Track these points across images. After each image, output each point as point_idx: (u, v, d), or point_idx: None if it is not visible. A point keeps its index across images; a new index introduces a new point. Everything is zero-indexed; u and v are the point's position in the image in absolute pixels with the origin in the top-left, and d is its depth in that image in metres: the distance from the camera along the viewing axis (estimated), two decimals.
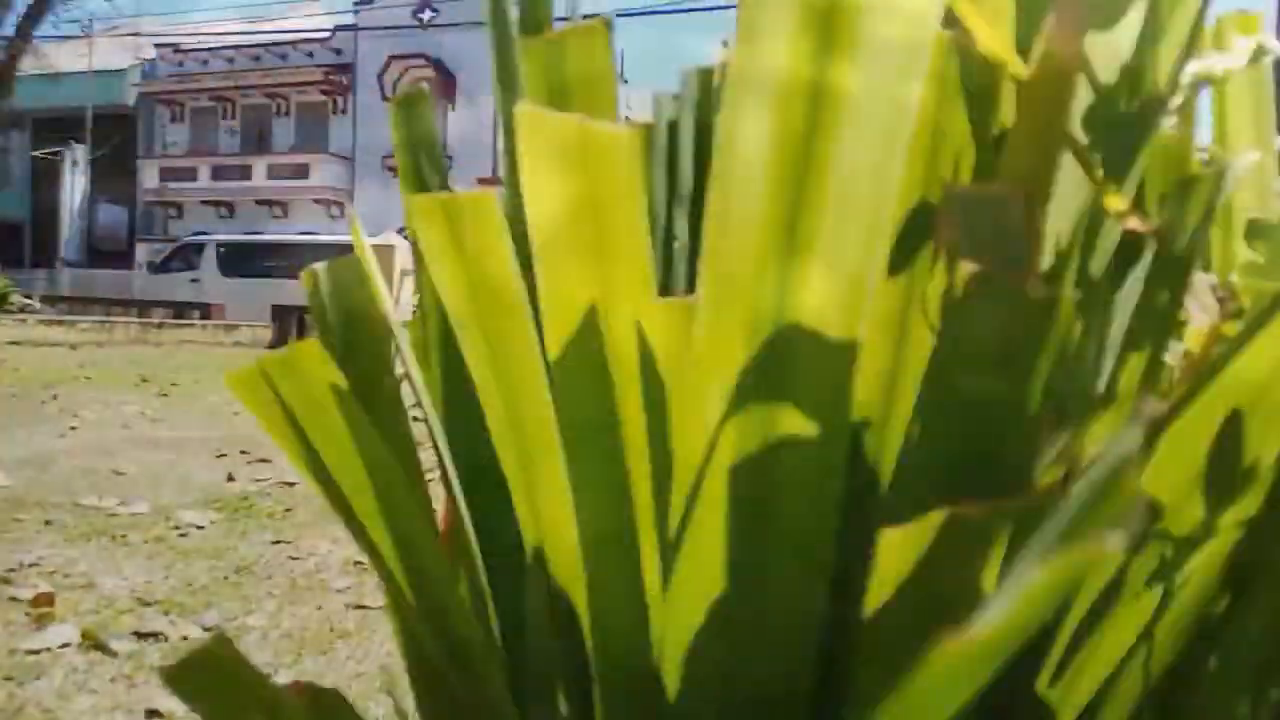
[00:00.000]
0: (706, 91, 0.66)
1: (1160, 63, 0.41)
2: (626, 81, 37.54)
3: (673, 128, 0.68)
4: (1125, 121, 0.41)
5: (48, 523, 2.49)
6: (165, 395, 6.35)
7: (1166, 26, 0.41)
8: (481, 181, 25.64)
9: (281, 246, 18.74)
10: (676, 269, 0.66)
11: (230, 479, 3.32)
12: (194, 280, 17.61)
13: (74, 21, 14.99)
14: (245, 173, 28.00)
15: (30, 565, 2.18)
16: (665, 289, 0.63)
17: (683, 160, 0.68)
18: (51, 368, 7.97)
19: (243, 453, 3.94)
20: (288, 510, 2.82)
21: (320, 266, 0.53)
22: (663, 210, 0.67)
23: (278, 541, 2.54)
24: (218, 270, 17.66)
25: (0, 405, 5.22)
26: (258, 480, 3.30)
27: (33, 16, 13.77)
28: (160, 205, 29.30)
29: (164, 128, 29.96)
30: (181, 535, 2.53)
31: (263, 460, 3.74)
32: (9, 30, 13.82)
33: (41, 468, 3.33)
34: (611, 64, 0.50)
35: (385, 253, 6.90)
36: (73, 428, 4.40)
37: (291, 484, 3.32)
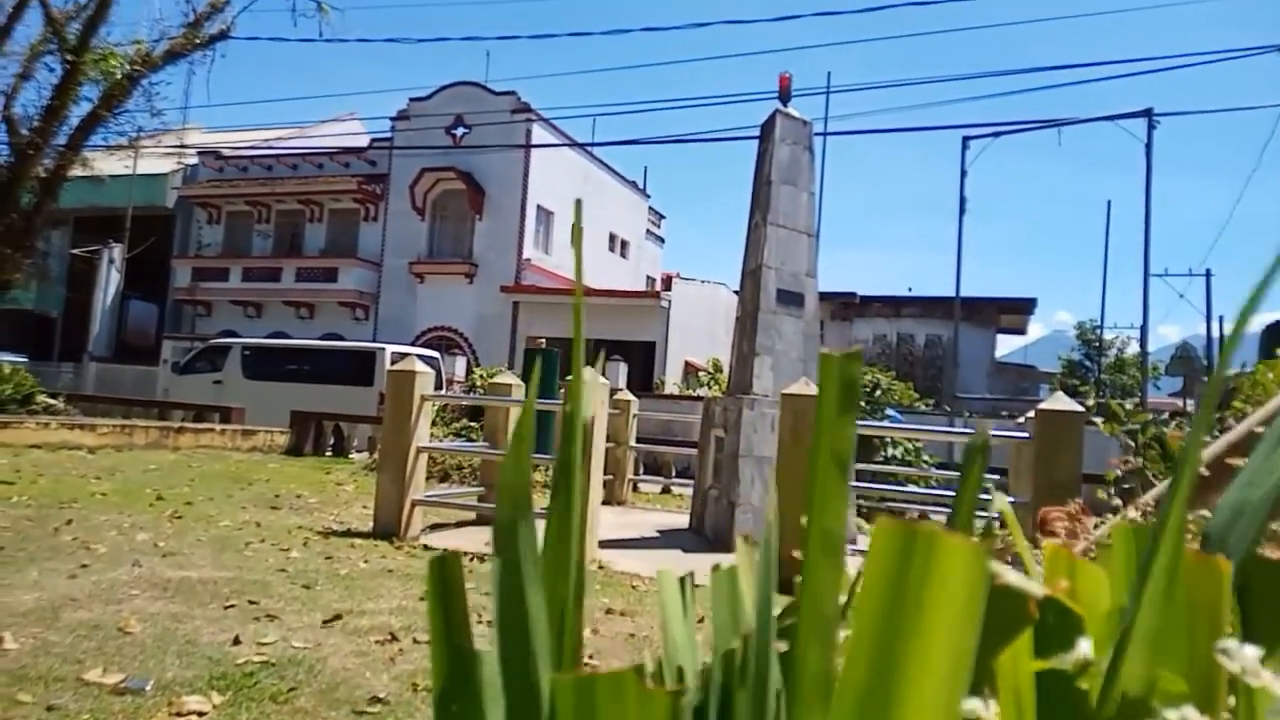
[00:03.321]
0: None
1: None
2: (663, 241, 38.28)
3: None
4: None
5: (50, 708, 2.42)
6: (179, 517, 6.31)
7: None
8: (504, 290, 26.05)
9: (304, 351, 18.99)
10: None
11: (236, 642, 3.24)
12: (217, 382, 17.79)
13: (121, 134, 15.58)
14: (275, 274, 28.70)
15: None
16: None
17: None
18: (69, 479, 7.98)
19: (251, 603, 3.87)
20: (291, 690, 2.74)
21: None
22: None
23: None
24: (241, 373, 17.86)
25: (15, 530, 5.20)
26: (262, 646, 3.22)
27: (84, 129, 14.39)
28: (190, 303, 29.98)
29: (200, 229, 30.94)
30: None
31: (270, 617, 3.67)
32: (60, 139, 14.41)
33: (48, 624, 3.28)
34: None
35: (408, 378, 6.95)
36: (84, 565, 4.36)
37: (295, 648, 3.25)
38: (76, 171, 14.91)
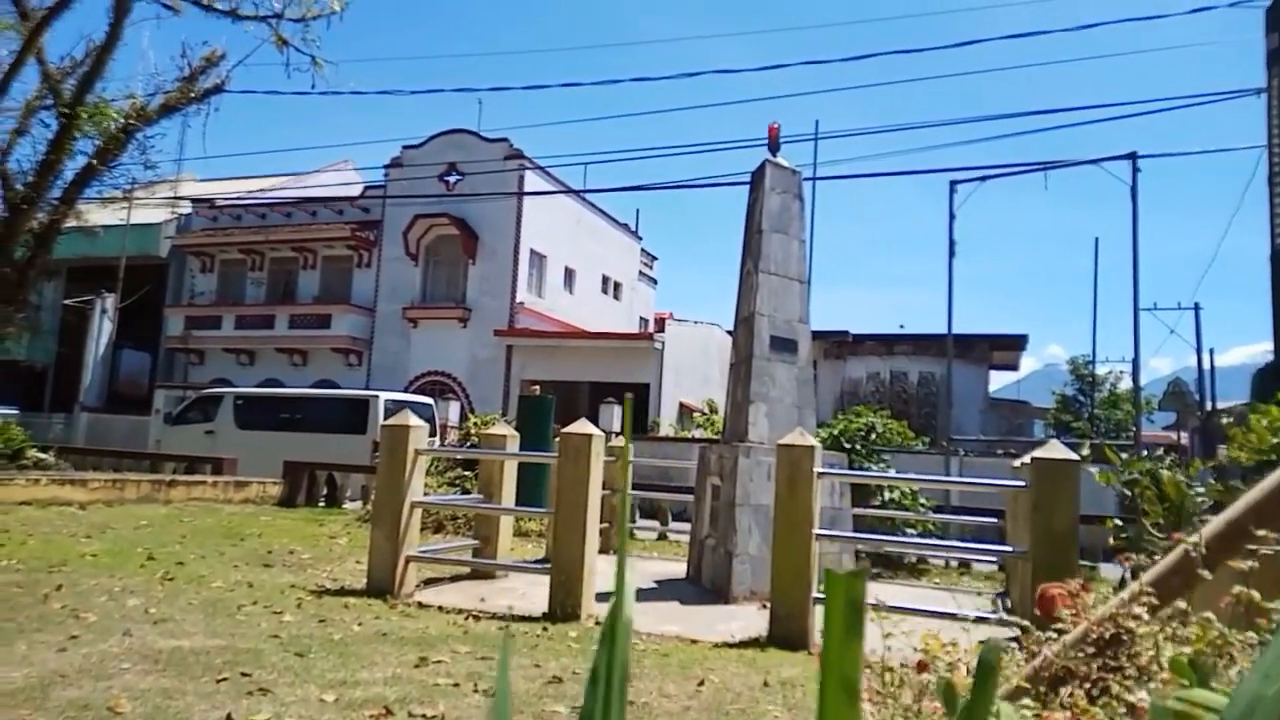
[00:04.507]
0: None
1: None
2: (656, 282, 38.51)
3: None
4: None
5: None
6: (171, 579, 6.24)
7: None
8: (498, 333, 26.10)
9: (297, 399, 18.92)
10: None
11: None
12: (209, 432, 17.69)
13: (116, 186, 15.66)
14: (268, 321, 28.70)
15: None
16: None
17: None
18: (59, 539, 7.89)
19: (244, 675, 3.81)
20: None
21: None
22: None
23: None
24: (234, 422, 17.76)
25: (3, 598, 5.12)
26: None
27: (79, 183, 14.45)
28: (183, 351, 29.92)
29: (193, 278, 30.98)
30: None
31: (263, 690, 3.61)
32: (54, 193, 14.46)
33: (37, 704, 3.22)
34: None
35: (402, 432, 6.93)
36: (74, 636, 4.29)
37: None
38: (70, 223, 14.94)
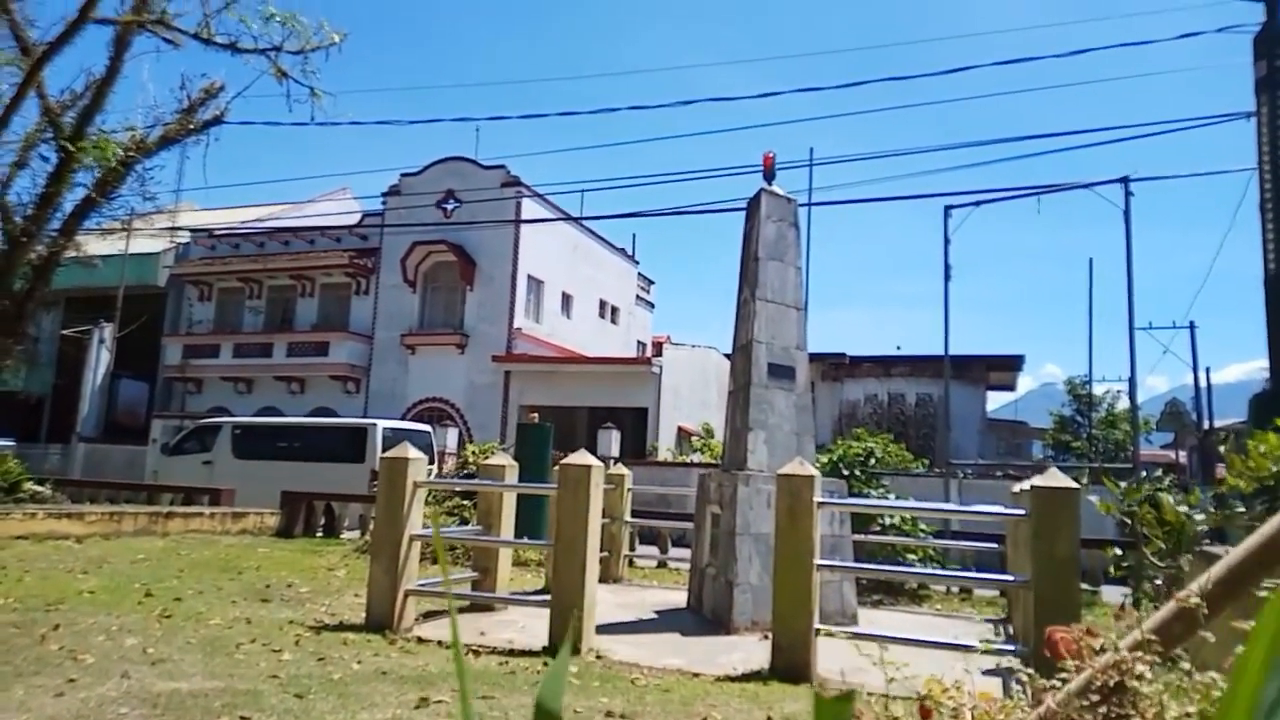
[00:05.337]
0: None
1: None
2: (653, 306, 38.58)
3: None
4: None
5: None
6: (168, 616, 6.20)
7: None
8: (496, 359, 26.09)
9: (295, 429, 18.88)
10: None
11: None
12: (207, 462, 17.64)
13: (115, 217, 15.72)
14: (266, 350, 28.71)
15: None
16: None
17: None
18: (56, 575, 7.84)
19: (242, 719, 3.78)
20: None
21: None
22: None
23: None
24: (231, 452, 17.72)
25: (0, 640, 5.09)
26: None
27: (78, 215, 14.50)
28: (181, 380, 29.89)
29: (191, 306, 31.02)
30: None
31: None
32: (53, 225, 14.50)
33: None
34: None
35: (400, 465, 6.91)
36: (71, 680, 4.26)
37: None
38: (69, 254, 14.96)
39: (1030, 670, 2.20)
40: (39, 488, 13.31)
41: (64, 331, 28.92)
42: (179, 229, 26.32)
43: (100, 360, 28.53)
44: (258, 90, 23.80)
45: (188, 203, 29.08)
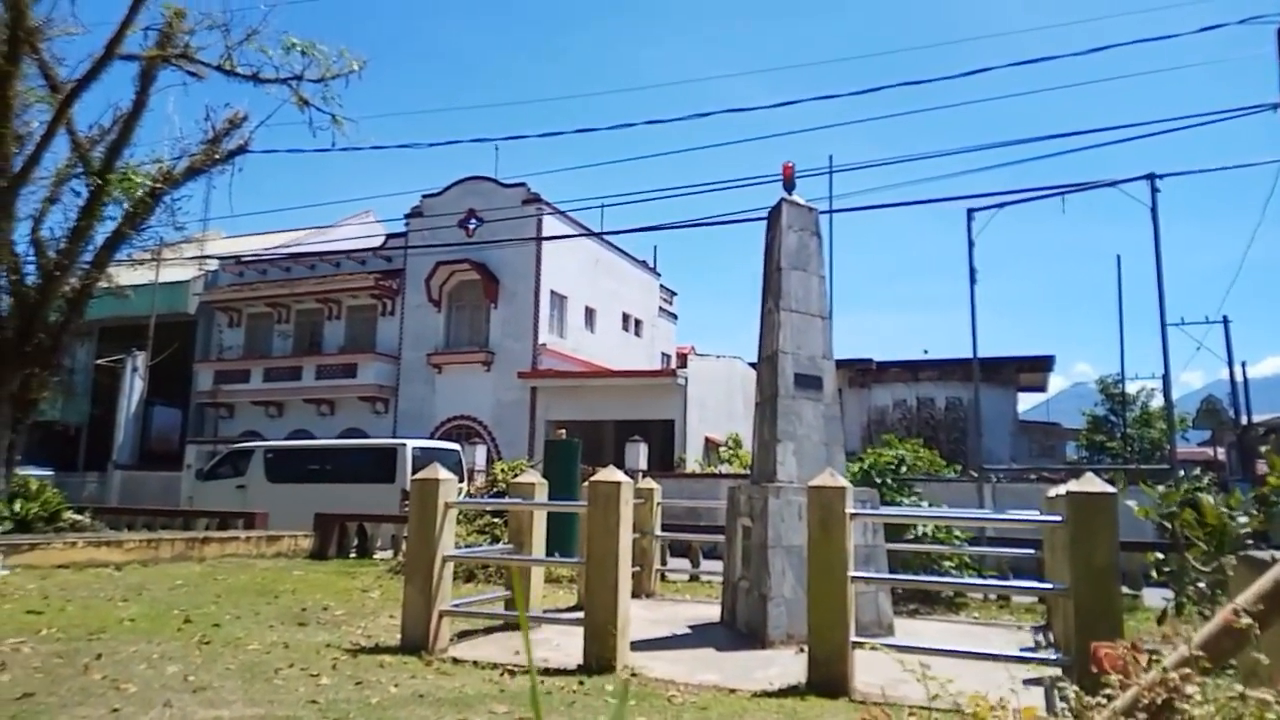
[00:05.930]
0: None
1: None
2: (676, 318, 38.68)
3: None
4: None
5: None
6: (207, 643, 6.26)
7: None
8: (522, 376, 26.18)
9: (326, 451, 19.06)
10: None
11: None
12: (240, 486, 17.84)
13: (144, 247, 15.99)
14: (296, 373, 29.06)
15: None
16: None
17: None
18: (96, 603, 7.95)
19: None
20: None
21: None
22: None
23: None
24: (264, 476, 17.91)
25: (45, 670, 5.17)
26: None
27: (109, 247, 14.77)
28: (213, 406, 30.30)
29: (221, 333, 31.47)
30: None
31: None
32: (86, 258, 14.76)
33: None
34: None
35: (432, 486, 6.95)
36: (115, 710, 4.32)
37: None
38: (101, 285, 15.22)
39: (1074, 686, 2.17)
40: (78, 516, 13.52)
41: (98, 361, 29.43)
42: (207, 257, 26.74)
43: (134, 388, 28.99)
44: (280, 118, 24.17)
45: (215, 231, 29.58)
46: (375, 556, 13.70)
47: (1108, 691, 1.81)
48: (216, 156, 15.21)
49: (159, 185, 14.76)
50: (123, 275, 17.37)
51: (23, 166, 13.70)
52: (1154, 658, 2.10)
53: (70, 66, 14.36)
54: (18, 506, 12.57)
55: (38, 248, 14.33)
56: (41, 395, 14.20)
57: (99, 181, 13.99)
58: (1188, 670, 1.64)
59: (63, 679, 4.96)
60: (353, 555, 13.77)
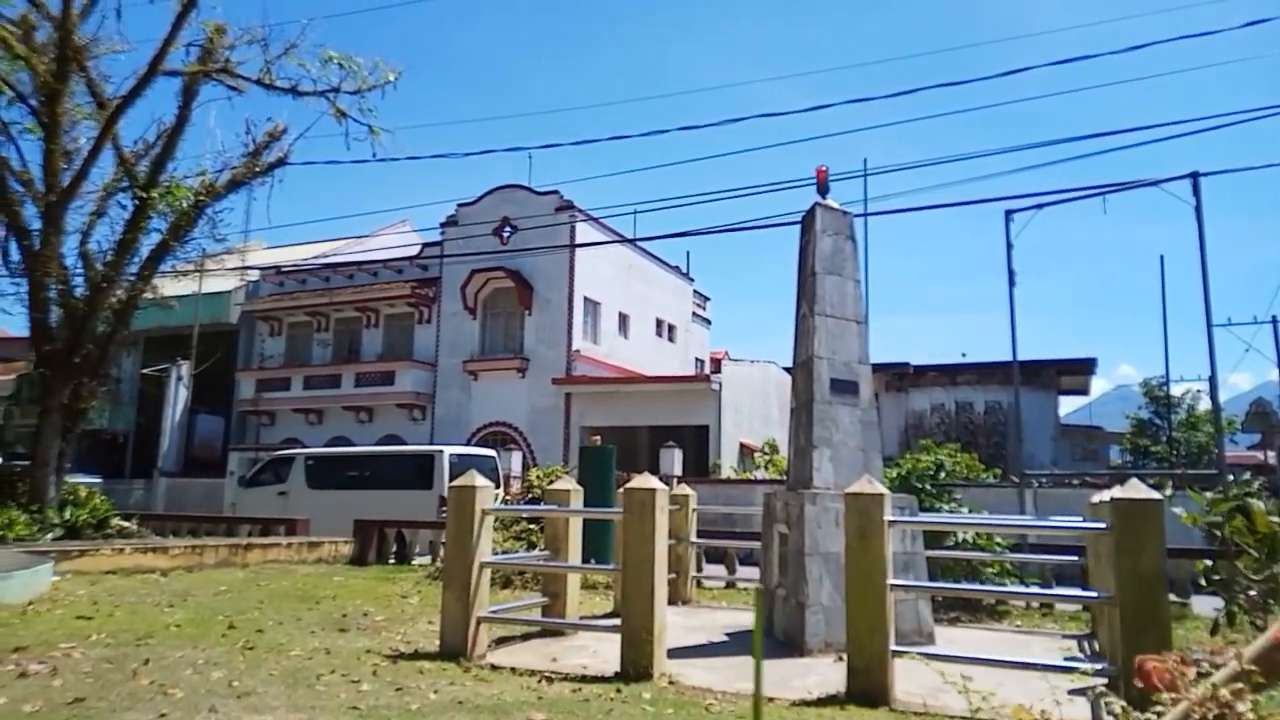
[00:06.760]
0: None
1: None
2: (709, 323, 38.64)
3: None
4: None
5: None
6: (251, 648, 6.36)
7: None
8: (556, 382, 26.29)
9: (365, 458, 19.30)
10: None
11: None
12: (282, 493, 18.12)
13: (188, 259, 16.33)
14: (335, 381, 29.48)
15: None
16: None
17: None
18: (144, 609, 8.12)
19: None
20: None
21: None
22: None
23: None
24: (305, 483, 18.18)
25: (95, 675, 5.29)
26: None
27: (154, 259, 15.11)
28: (254, 414, 30.84)
29: (263, 341, 32.04)
30: None
31: None
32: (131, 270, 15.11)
33: None
34: None
35: (469, 493, 7.01)
36: (163, 715, 4.40)
37: None
38: (147, 296, 15.56)
39: (1121, 701, 2.13)
40: (125, 523, 13.82)
41: (144, 370, 30.11)
42: (249, 268, 27.24)
43: (178, 397, 29.61)
44: (319, 130, 24.57)
45: (256, 241, 30.10)
46: (414, 562, 13.83)
47: (1158, 708, 1.77)
48: (257, 169, 15.50)
49: (202, 198, 15.08)
50: (167, 286, 17.76)
51: (71, 181, 14.09)
52: (1201, 669, 2.04)
53: (116, 83, 14.77)
54: (68, 513, 12.90)
55: (85, 261, 14.72)
56: (90, 404, 14.55)
57: (144, 195, 14.33)
58: (1240, 685, 1.60)
59: (112, 684, 5.07)
60: (391, 561, 13.92)
